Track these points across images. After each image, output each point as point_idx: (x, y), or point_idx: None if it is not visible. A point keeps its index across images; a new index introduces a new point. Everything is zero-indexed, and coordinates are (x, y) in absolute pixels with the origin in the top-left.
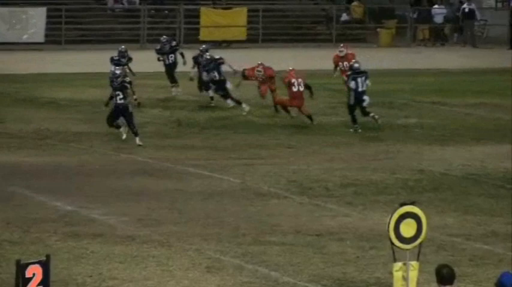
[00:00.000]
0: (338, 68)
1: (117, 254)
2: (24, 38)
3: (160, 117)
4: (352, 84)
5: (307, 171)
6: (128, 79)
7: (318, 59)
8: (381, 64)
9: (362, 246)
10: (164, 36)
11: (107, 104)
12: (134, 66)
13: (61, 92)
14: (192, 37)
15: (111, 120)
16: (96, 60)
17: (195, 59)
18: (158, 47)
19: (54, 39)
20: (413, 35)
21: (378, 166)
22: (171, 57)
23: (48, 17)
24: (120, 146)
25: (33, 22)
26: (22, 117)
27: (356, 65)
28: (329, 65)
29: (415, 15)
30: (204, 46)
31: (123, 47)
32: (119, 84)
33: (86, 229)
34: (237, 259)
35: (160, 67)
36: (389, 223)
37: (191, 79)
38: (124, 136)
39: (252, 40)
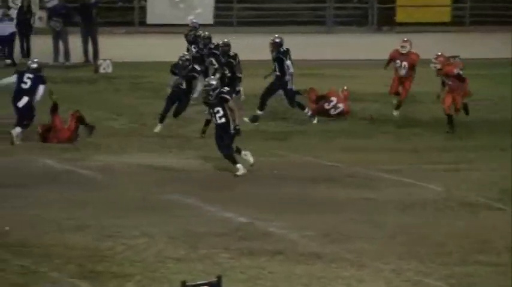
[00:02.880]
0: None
1: (299, 274)
2: (190, 19)
3: (349, 113)
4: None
5: None
6: (225, 89)
7: None
8: None
9: None
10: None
11: (204, 132)
12: (318, 52)
13: None
14: (388, 19)
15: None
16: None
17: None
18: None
19: (224, 20)
20: None
21: None
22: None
23: None
24: (299, 147)
25: (200, 0)
26: (184, 113)
27: (277, 40)
28: None
29: None
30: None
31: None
32: (216, 98)
33: (262, 244)
34: (442, 282)
35: (353, 55)
36: None
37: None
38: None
39: (457, 23)
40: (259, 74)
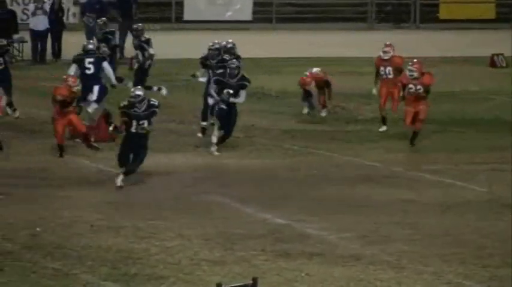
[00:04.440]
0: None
1: (337, 277)
2: (228, 15)
3: (390, 112)
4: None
5: None
6: (156, 102)
7: None
8: None
9: None
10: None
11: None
12: (358, 50)
13: (269, 80)
14: (431, 15)
15: (125, 158)
16: (313, 42)
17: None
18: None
19: (263, 16)
20: None
21: None
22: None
23: None
24: (340, 147)
25: None
26: None
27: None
28: None
29: None
30: (216, 41)
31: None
32: (146, 111)
33: (300, 246)
34: (483, 285)
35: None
36: None
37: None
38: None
39: (502, 19)
40: (300, 71)
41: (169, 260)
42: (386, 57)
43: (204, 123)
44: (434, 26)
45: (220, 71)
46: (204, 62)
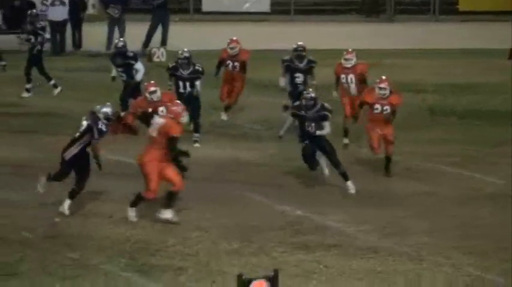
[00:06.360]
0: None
1: (355, 269)
2: (246, 6)
3: (409, 104)
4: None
5: None
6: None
7: None
8: None
9: None
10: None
11: None
12: (378, 42)
13: None
14: (450, 7)
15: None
16: (329, 35)
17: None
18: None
19: (281, 8)
20: None
21: None
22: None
23: None
24: (358, 138)
25: None
26: (239, 104)
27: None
28: None
29: None
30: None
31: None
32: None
33: (319, 238)
34: (503, 277)
35: (414, 44)
36: None
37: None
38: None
39: None
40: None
41: (187, 252)
42: (348, 66)
43: None
44: (453, 18)
45: (296, 103)
46: (172, 73)
